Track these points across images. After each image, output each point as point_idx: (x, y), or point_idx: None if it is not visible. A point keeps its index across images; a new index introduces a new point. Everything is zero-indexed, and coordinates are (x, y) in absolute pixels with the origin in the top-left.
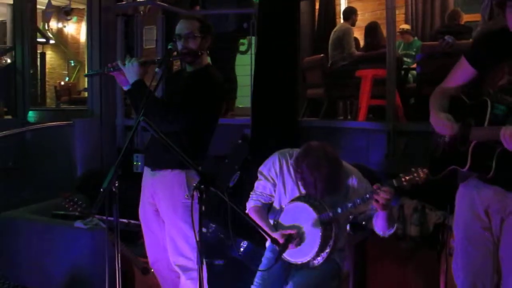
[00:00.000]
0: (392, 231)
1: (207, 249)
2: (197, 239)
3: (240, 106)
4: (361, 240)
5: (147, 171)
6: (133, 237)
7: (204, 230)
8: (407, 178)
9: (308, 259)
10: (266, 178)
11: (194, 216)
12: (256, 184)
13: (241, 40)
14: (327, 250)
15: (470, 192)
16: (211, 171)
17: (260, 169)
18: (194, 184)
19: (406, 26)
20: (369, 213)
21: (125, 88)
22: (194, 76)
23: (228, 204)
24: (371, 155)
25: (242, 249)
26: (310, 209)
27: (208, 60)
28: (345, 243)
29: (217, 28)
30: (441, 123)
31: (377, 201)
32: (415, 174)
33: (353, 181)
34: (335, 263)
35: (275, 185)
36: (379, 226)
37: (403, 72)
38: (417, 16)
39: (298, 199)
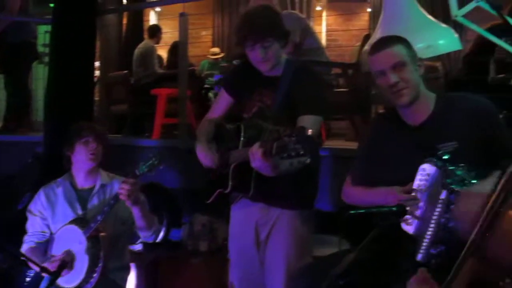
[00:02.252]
0: (153, 236)
1: None
2: None
3: (39, 120)
4: (153, 259)
5: None
6: None
7: None
8: (148, 163)
9: (80, 281)
10: (34, 215)
11: None
12: (26, 225)
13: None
14: (99, 267)
15: (241, 210)
16: None
17: (28, 208)
18: None
19: (216, 50)
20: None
21: None
22: None
23: None
24: (169, 173)
25: (28, 279)
26: (76, 228)
27: None
28: (129, 261)
29: (16, 37)
30: (203, 154)
31: (126, 195)
32: (153, 159)
33: (113, 186)
34: (116, 284)
35: (45, 218)
36: (140, 227)
37: (204, 91)
38: (223, 37)
39: (68, 223)
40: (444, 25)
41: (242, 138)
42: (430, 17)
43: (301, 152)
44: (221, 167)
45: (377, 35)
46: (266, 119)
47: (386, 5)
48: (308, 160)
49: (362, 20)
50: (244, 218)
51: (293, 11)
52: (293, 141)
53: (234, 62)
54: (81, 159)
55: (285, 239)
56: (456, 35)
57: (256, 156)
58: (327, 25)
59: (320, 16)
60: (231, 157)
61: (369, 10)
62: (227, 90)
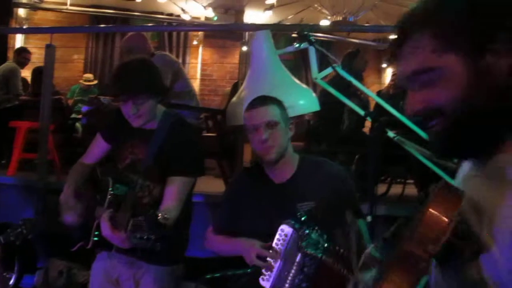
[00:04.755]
0: None
1: None
2: None
3: None
4: None
5: None
6: None
7: None
8: (15, 232)
9: None
10: None
11: None
12: None
13: None
14: None
15: (105, 261)
16: None
17: None
18: None
19: (90, 76)
20: None
21: None
22: None
23: None
24: (25, 213)
25: None
26: None
27: None
28: None
29: None
30: (66, 211)
31: None
32: (23, 227)
33: None
34: None
35: None
36: None
37: (71, 121)
38: (96, 63)
39: None
40: (305, 86)
41: (109, 194)
42: (293, 77)
43: (152, 238)
44: (86, 217)
45: (244, 91)
46: (138, 172)
47: (253, 61)
48: (159, 247)
49: (235, 57)
50: (106, 271)
51: (166, 53)
52: (145, 225)
53: (102, 99)
54: None
55: None
56: (315, 96)
57: (105, 227)
58: (203, 59)
59: (197, 50)
60: (96, 212)
61: (244, 48)
62: (102, 136)
